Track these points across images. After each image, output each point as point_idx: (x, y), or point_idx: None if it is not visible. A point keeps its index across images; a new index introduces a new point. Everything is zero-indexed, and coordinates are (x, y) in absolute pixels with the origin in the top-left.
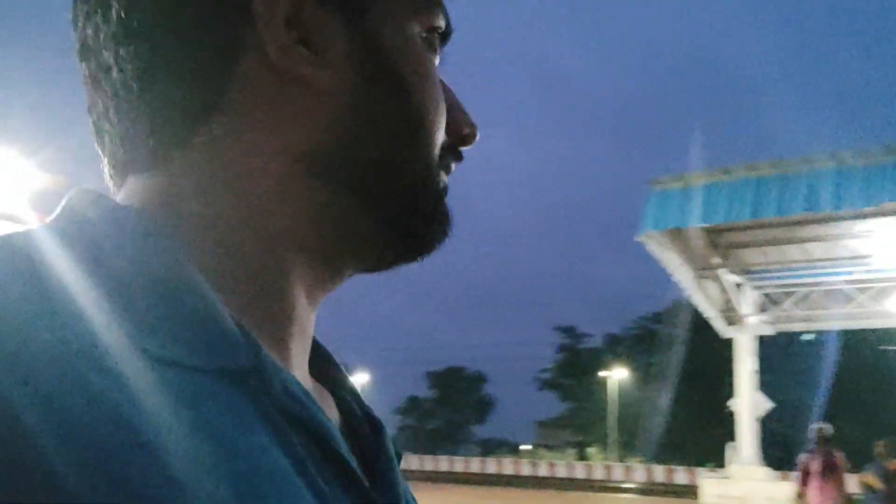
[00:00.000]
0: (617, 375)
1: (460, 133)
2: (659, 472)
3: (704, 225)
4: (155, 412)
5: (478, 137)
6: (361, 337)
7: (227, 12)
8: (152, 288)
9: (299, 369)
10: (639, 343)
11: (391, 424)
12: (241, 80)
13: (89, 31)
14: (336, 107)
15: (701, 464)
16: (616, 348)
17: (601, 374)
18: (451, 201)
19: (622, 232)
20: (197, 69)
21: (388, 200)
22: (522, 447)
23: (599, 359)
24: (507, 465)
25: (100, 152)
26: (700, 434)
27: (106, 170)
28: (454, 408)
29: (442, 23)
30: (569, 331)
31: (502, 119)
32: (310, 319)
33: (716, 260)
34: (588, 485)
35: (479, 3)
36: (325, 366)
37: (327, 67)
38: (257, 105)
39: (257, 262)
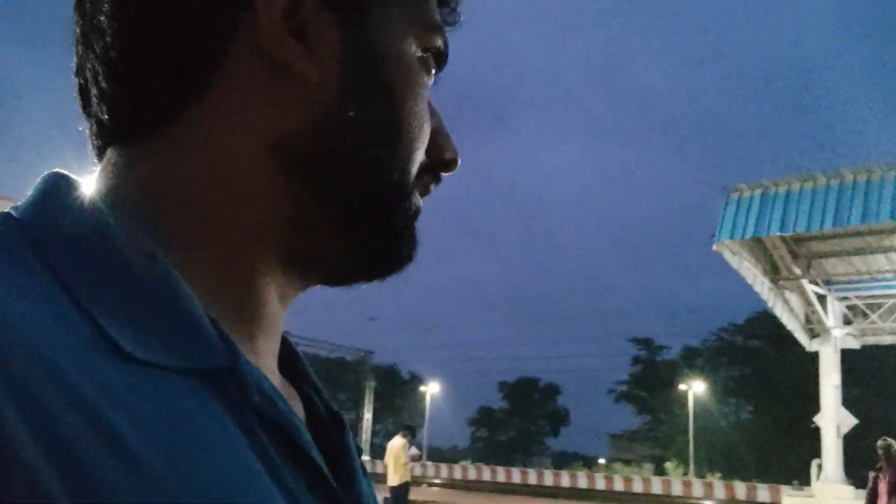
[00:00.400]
0: (695, 388)
1: (442, 157)
2: (740, 489)
3: (784, 234)
4: (129, 411)
5: (458, 165)
6: (432, 346)
7: None
8: (126, 284)
9: (268, 366)
10: (718, 355)
11: (463, 435)
12: (231, 63)
13: (88, 5)
14: (318, 101)
15: (784, 481)
16: (694, 360)
17: (679, 386)
18: (425, 225)
19: (700, 242)
20: (190, 45)
21: (358, 208)
22: (598, 461)
23: (677, 371)
24: (581, 479)
25: (84, 116)
26: (783, 450)
27: (89, 134)
28: (527, 419)
29: (440, 44)
30: (645, 342)
31: (577, 130)
32: (280, 317)
33: (797, 270)
34: (666, 501)
35: (554, 16)
36: (288, 358)
37: (316, 62)
38: (242, 89)
39: (230, 256)
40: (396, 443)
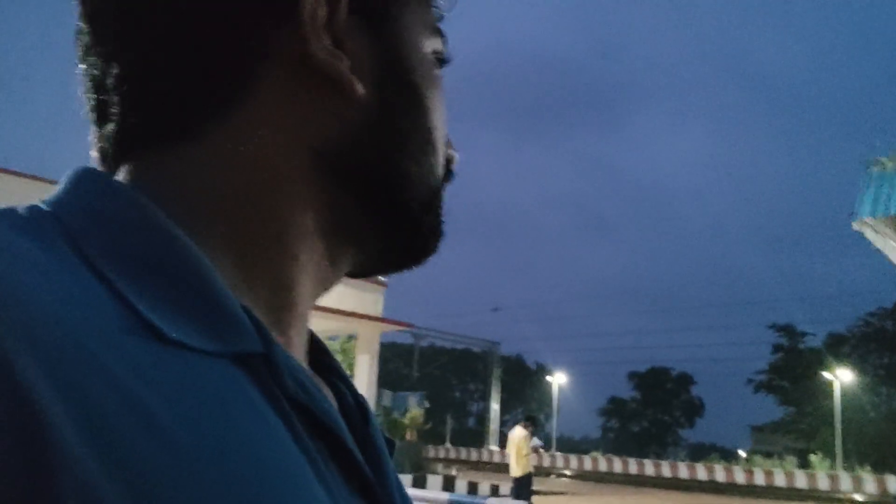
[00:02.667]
0: (842, 377)
1: (448, 153)
2: (893, 483)
3: None
4: (163, 392)
5: (457, 162)
6: (559, 337)
7: (268, 5)
8: (162, 272)
9: (299, 356)
10: (866, 342)
11: (594, 425)
12: (270, 73)
13: (101, 3)
14: (360, 112)
15: None
16: (840, 348)
17: (823, 375)
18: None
19: (840, 222)
20: (227, 55)
21: (398, 214)
22: (737, 453)
23: (821, 359)
24: (719, 472)
25: (95, 126)
26: None
27: (97, 138)
28: (660, 410)
29: (442, 46)
30: (786, 329)
31: (700, 117)
32: (309, 312)
33: None
34: (811, 495)
35: (670, 4)
36: (317, 353)
37: (356, 72)
38: (281, 101)
39: (264, 255)
40: (518, 433)
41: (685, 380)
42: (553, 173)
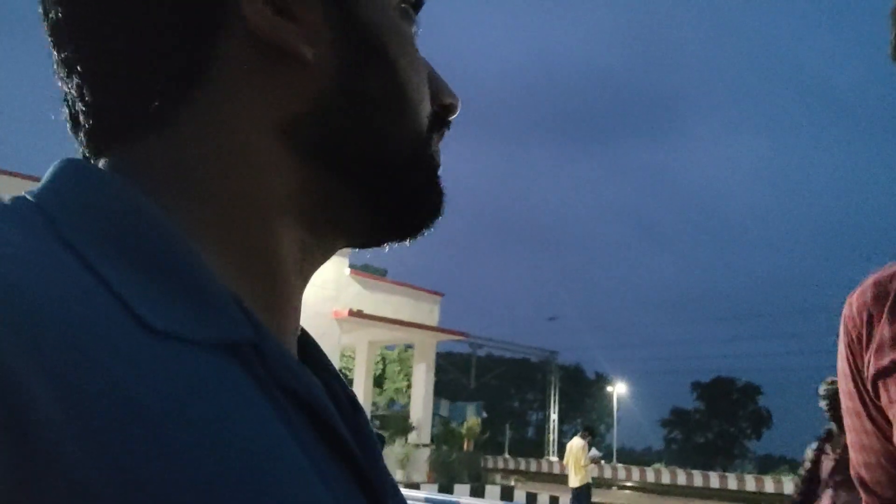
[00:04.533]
0: None
1: (442, 101)
2: None
3: None
4: (153, 384)
5: (459, 108)
6: (618, 346)
7: None
8: (150, 261)
9: (289, 345)
10: None
11: (656, 436)
12: (224, 53)
13: (60, 13)
14: (318, 79)
15: None
16: None
17: None
18: (445, 179)
19: None
20: (178, 41)
21: (373, 178)
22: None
23: None
24: (788, 485)
25: (72, 135)
26: None
27: (77, 144)
28: (726, 421)
29: None
30: None
31: (754, 125)
32: (299, 293)
33: None
34: None
35: (721, 14)
36: (306, 347)
37: (308, 40)
38: (240, 78)
39: (246, 235)
40: (576, 443)
41: (752, 390)
42: (609, 184)
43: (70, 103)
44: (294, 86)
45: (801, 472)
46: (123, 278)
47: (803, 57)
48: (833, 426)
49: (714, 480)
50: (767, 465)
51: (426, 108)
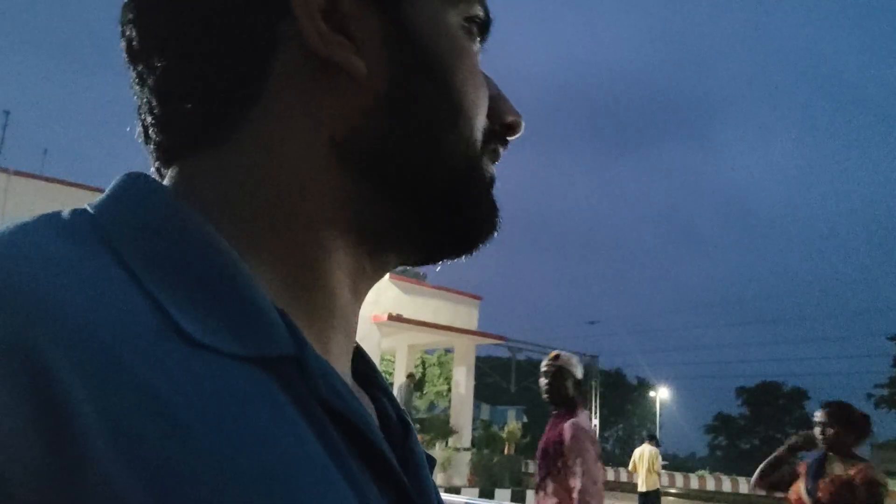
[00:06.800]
0: None
1: (503, 120)
2: None
3: None
4: (189, 396)
5: (523, 127)
6: (659, 351)
7: (264, 3)
8: (194, 273)
9: (339, 363)
10: None
11: (700, 443)
12: (281, 69)
13: (134, 34)
14: (371, 92)
15: None
16: None
17: None
18: (500, 194)
19: None
20: (239, 57)
21: (424, 192)
22: None
23: None
24: None
25: (145, 150)
26: None
27: (151, 166)
28: (772, 426)
29: (479, 11)
30: None
31: (786, 128)
32: (354, 312)
33: None
34: None
35: (750, 17)
36: (359, 363)
37: (364, 55)
38: (295, 92)
39: (298, 251)
40: (648, 450)
41: (799, 395)
42: (645, 187)
43: (142, 117)
44: (346, 99)
45: None
46: (169, 292)
47: (837, 58)
48: None
49: None
50: None
51: (481, 124)
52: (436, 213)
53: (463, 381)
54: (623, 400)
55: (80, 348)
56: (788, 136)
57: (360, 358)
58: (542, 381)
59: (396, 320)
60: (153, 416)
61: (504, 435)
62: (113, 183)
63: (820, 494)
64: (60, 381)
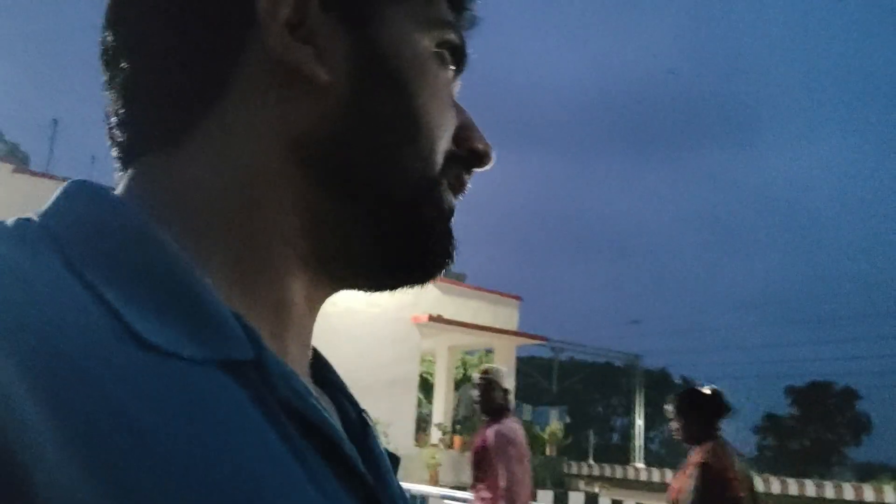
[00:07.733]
0: None
1: (471, 145)
2: None
3: None
4: (149, 401)
5: (493, 159)
6: (704, 350)
7: (231, 9)
8: (149, 278)
9: (297, 366)
10: None
11: (748, 443)
12: (245, 73)
13: (109, 37)
14: (331, 99)
15: None
16: None
17: None
18: (458, 227)
19: None
20: (199, 61)
21: (380, 204)
22: None
23: None
24: (889, 493)
25: (110, 148)
26: None
27: (114, 163)
28: (822, 427)
29: (452, 38)
30: None
31: (830, 129)
32: (309, 320)
33: None
34: None
35: (794, 21)
36: (319, 368)
37: (325, 64)
38: (256, 95)
39: (253, 256)
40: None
41: (850, 395)
42: (686, 190)
43: (109, 119)
44: (307, 104)
45: None
46: (122, 297)
47: (882, 57)
48: None
49: (810, 488)
50: (867, 472)
51: (443, 147)
52: (390, 226)
53: None
54: (668, 400)
55: (27, 351)
56: (833, 136)
57: (315, 358)
58: (475, 392)
59: (436, 321)
60: (110, 419)
61: (546, 436)
62: (59, 189)
63: (673, 488)
64: (4, 385)
